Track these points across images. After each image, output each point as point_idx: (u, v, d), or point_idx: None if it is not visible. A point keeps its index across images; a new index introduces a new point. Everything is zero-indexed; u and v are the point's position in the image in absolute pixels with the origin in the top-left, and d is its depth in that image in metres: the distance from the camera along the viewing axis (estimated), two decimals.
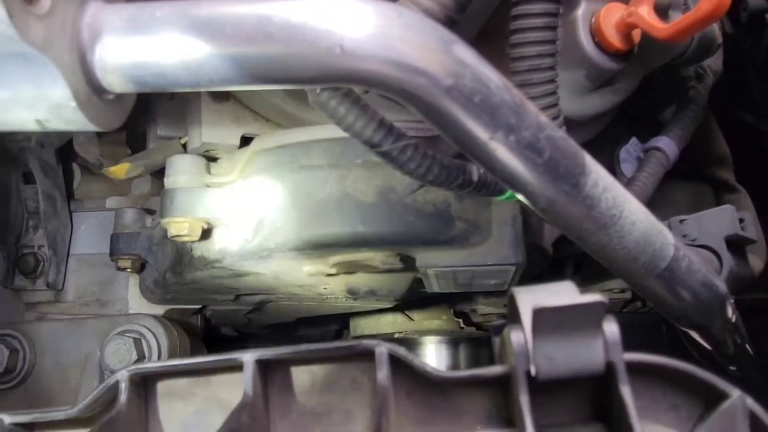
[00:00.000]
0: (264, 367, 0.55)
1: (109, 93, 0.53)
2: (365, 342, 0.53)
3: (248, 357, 0.54)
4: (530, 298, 0.48)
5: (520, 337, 0.48)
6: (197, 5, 0.50)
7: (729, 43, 1.30)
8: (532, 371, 0.47)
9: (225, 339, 1.84)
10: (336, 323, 1.93)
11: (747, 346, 1.01)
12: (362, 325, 1.75)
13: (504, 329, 0.53)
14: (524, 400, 0.47)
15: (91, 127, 0.52)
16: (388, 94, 0.51)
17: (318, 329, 1.96)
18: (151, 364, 0.57)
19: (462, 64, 0.50)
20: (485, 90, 0.51)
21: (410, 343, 1.69)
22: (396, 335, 1.66)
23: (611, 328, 0.47)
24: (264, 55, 0.48)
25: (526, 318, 0.48)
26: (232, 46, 0.49)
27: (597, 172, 0.59)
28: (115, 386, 0.55)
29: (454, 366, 1.65)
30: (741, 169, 1.30)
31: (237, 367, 0.56)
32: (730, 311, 0.80)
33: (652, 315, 1.34)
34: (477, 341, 1.68)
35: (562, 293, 0.48)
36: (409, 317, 1.68)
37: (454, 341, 1.65)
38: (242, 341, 1.91)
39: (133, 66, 0.50)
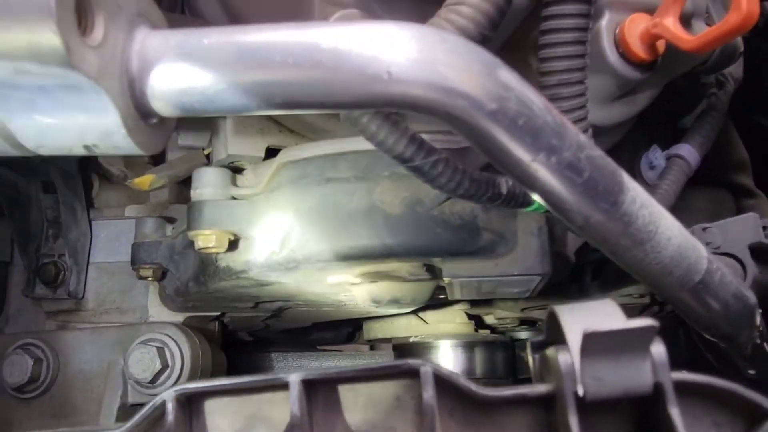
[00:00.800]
0: (308, 386, 0.56)
1: (155, 117, 0.54)
2: (410, 361, 0.54)
3: (294, 377, 0.54)
4: (576, 319, 0.49)
5: (567, 358, 0.48)
6: (244, 31, 0.51)
7: (747, 48, 1.31)
8: (580, 392, 0.48)
9: (241, 343, 1.85)
10: (349, 326, 1.94)
11: (765, 345, 1.02)
12: (375, 329, 1.75)
13: (546, 348, 0.54)
14: (573, 420, 0.47)
15: (138, 152, 0.53)
16: (433, 117, 0.51)
17: (331, 332, 1.97)
18: (197, 384, 0.57)
19: (506, 87, 0.51)
20: (529, 113, 0.52)
21: (425, 346, 1.70)
22: (411, 339, 1.66)
23: (659, 349, 0.47)
24: (312, 81, 0.49)
25: (573, 339, 0.48)
26: (279, 72, 0.49)
27: (634, 189, 0.60)
28: (162, 406, 0.56)
29: (470, 369, 1.66)
30: (759, 173, 1.30)
31: (281, 385, 0.56)
32: (758, 321, 0.81)
33: (670, 319, 1.34)
34: (492, 345, 1.68)
35: (608, 314, 0.48)
36: (424, 320, 1.68)
37: (469, 345, 1.66)
38: (258, 345, 1.92)
39: (181, 92, 0.51)
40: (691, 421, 0.52)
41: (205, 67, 0.50)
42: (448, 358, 1.67)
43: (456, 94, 0.50)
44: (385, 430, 0.56)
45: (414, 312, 1.63)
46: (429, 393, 0.53)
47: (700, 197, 1.16)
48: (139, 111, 0.52)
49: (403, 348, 1.73)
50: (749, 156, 1.30)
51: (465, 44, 0.51)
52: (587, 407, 0.48)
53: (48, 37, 0.42)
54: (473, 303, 1.52)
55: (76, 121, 0.49)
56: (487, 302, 1.47)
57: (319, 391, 0.57)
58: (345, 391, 0.57)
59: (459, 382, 0.53)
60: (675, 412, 0.46)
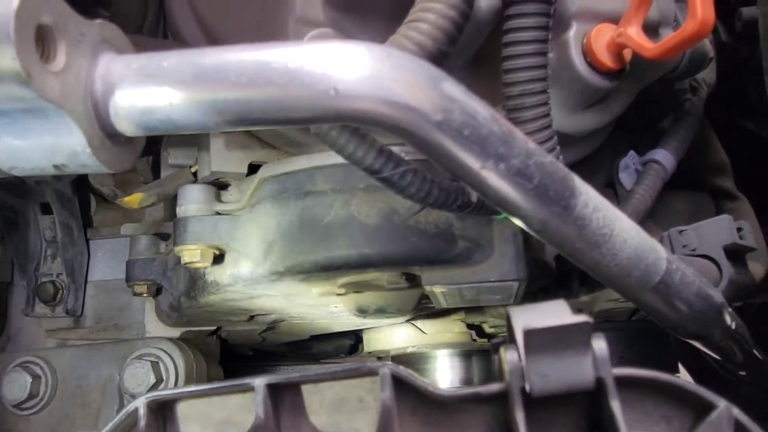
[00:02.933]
0: (274, 390, 0.58)
1: (121, 137, 0.57)
2: (369, 364, 0.56)
3: (259, 381, 0.57)
4: (523, 319, 0.51)
5: (514, 356, 0.50)
6: (201, 54, 0.54)
7: (726, 51, 1.32)
8: (527, 388, 0.50)
9: (241, 357, 1.88)
10: (349, 338, 1.96)
11: (754, 351, 1.03)
12: (375, 340, 1.77)
13: (500, 347, 0.56)
14: (520, 416, 0.49)
15: (104, 170, 0.56)
16: (382, 131, 0.54)
17: (331, 345, 1.99)
18: (168, 391, 0.60)
19: (450, 99, 0.53)
20: (474, 122, 0.54)
21: (423, 356, 1.72)
22: (409, 349, 1.68)
23: (600, 345, 0.49)
24: (264, 99, 0.52)
25: (520, 338, 0.50)
26: (235, 91, 0.52)
27: (587, 194, 0.62)
28: (134, 413, 0.58)
29: (468, 378, 1.67)
30: (743, 175, 1.32)
31: (250, 389, 0.59)
32: (728, 319, 0.82)
33: None
34: (489, 353, 1.70)
35: (553, 313, 0.50)
36: (422, 330, 1.70)
37: (466, 354, 1.67)
38: (258, 359, 1.94)
39: (143, 112, 0.54)
40: (641, 415, 0.54)
41: (164, 88, 0.53)
42: (445, 367, 1.69)
43: (402, 107, 0.52)
44: (349, 430, 0.59)
45: (412, 323, 1.65)
46: (387, 393, 0.55)
47: (680, 200, 1.18)
48: (105, 131, 0.54)
49: (402, 358, 1.75)
50: (733, 158, 1.31)
51: (410, 59, 0.54)
52: (535, 403, 0.50)
53: (9, 64, 0.45)
54: (467, 313, 1.54)
55: (44, 143, 0.52)
56: (479, 310, 1.49)
57: (286, 395, 0.59)
58: (310, 394, 0.59)
59: (416, 383, 0.55)
60: (615, 405, 0.48)
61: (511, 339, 0.54)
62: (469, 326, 1.68)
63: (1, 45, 0.45)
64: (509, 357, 0.50)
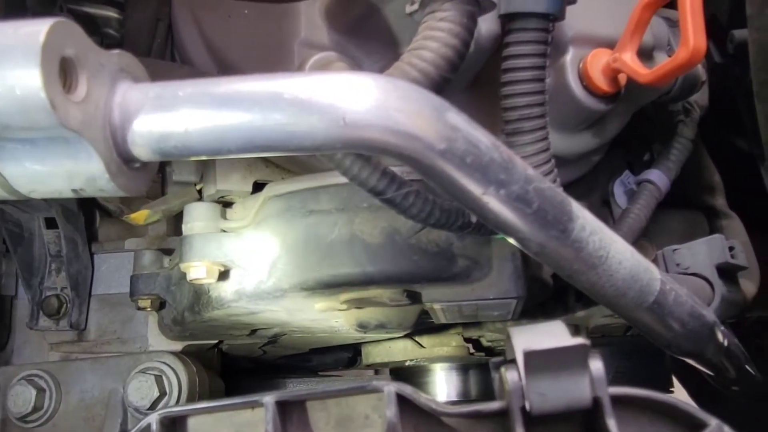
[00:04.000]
0: (282, 406, 0.60)
1: (137, 162, 0.59)
2: (374, 382, 0.58)
3: (268, 398, 0.59)
4: (523, 340, 0.53)
5: (514, 375, 0.52)
6: (216, 83, 0.56)
7: (719, 72, 1.36)
8: (527, 407, 0.52)
9: (242, 370, 1.89)
10: (348, 351, 1.97)
11: (747, 367, 1.05)
12: (374, 353, 1.78)
13: (501, 367, 0.58)
14: None
15: (121, 194, 0.58)
16: (388, 158, 0.56)
17: (331, 357, 2.00)
18: (180, 407, 0.62)
19: (454, 128, 0.56)
20: (476, 151, 0.56)
21: (421, 370, 1.73)
22: (407, 363, 1.70)
23: (596, 365, 0.52)
24: (276, 127, 0.54)
25: (520, 358, 0.53)
26: (247, 120, 0.54)
27: (584, 218, 0.64)
28: (147, 428, 0.60)
29: (465, 391, 1.69)
30: (734, 193, 1.34)
31: (259, 406, 0.61)
32: (720, 337, 0.85)
33: None
34: (487, 367, 1.71)
35: (552, 335, 0.53)
36: (420, 344, 1.72)
37: (464, 368, 1.69)
38: (258, 372, 1.95)
39: (159, 139, 0.56)
40: (636, 431, 0.56)
41: (180, 116, 0.55)
42: (443, 380, 1.71)
43: (407, 137, 0.55)
44: None
45: (410, 337, 1.67)
46: (392, 411, 0.57)
47: (674, 219, 1.21)
48: (122, 157, 0.57)
49: (400, 372, 1.76)
50: (724, 176, 1.34)
51: (415, 90, 0.56)
52: (534, 421, 0.52)
53: (35, 96, 0.48)
54: (465, 326, 1.56)
55: (63, 168, 0.54)
56: (477, 325, 1.51)
57: (294, 412, 0.61)
58: (317, 411, 0.61)
59: (420, 401, 0.57)
60: (611, 423, 0.50)
61: (510, 359, 0.57)
62: (467, 340, 1.70)
63: (29, 76, 0.47)
64: (510, 377, 0.53)
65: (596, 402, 0.52)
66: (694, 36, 0.77)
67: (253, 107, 0.54)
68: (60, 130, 0.51)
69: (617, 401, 0.53)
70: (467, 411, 0.57)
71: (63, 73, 0.50)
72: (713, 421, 0.53)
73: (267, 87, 0.55)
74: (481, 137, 0.57)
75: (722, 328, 0.84)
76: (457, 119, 0.56)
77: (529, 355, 0.49)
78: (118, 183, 0.56)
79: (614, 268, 0.67)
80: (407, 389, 0.58)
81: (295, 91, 0.54)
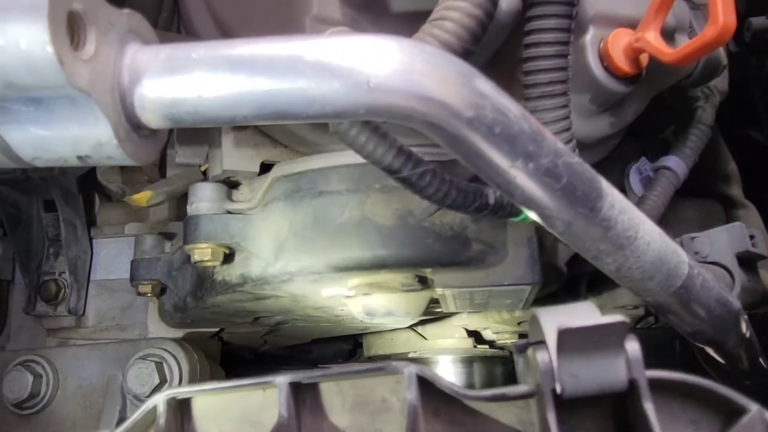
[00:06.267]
0: (296, 388, 0.57)
1: (146, 129, 0.56)
2: (394, 363, 0.55)
3: (281, 379, 0.56)
4: (554, 319, 0.50)
5: (545, 356, 0.50)
6: (230, 45, 0.53)
7: (734, 62, 1.33)
8: (558, 389, 0.49)
9: (242, 361, 1.86)
10: (348, 343, 1.95)
11: (761, 360, 1.03)
12: (376, 345, 1.76)
13: (528, 349, 0.55)
14: (551, 417, 0.48)
15: (130, 162, 0.55)
16: (412, 126, 0.53)
17: (331, 348, 1.98)
18: (188, 388, 0.59)
19: (482, 96, 0.53)
20: (505, 120, 0.53)
21: (424, 362, 1.70)
22: (410, 354, 1.67)
23: (633, 346, 0.49)
24: (295, 91, 0.51)
25: (551, 338, 0.50)
26: (265, 83, 0.51)
27: (612, 195, 0.62)
28: (154, 410, 0.57)
29: (469, 384, 1.66)
30: (749, 184, 1.32)
31: (270, 389, 0.58)
32: (744, 327, 0.82)
33: (666, 331, 1.35)
34: (491, 359, 1.69)
35: (585, 314, 0.50)
36: (423, 336, 1.69)
37: (468, 360, 1.66)
38: (258, 363, 1.92)
39: (171, 104, 0.53)
40: (668, 418, 0.53)
41: (192, 80, 0.52)
42: (447, 373, 1.68)
43: (434, 103, 0.52)
44: (371, 431, 0.58)
45: (413, 328, 1.64)
46: (413, 394, 0.54)
47: (690, 207, 1.18)
48: (130, 123, 0.54)
49: None
50: (741, 168, 1.32)
51: (442, 55, 0.53)
52: (565, 404, 0.50)
53: (42, 50, 0.45)
54: (469, 317, 1.53)
55: (69, 133, 0.51)
56: (481, 316, 1.48)
57: (307, 394, 0.58)
58: (331, 395, 0.58)
59: (442, 383, 0.54)
60: (649, 407, 0.47)
61: (537, 341, 0.54)
62: (470, 333, 1.68)
63: (35, 29, 0.44)
64: (540, 357, 0.50)
65: (632, 385, 0.49)
66: (723, 13, 0.74)
67: (271, 70, 0.51)
68: (66, 89, 0.47)
69: (650, 385, 0.50)
70: (491, 394, 0.54)
71: (71, 27, 0.47)
72: (753, 407, 0.50)
73: (286, 49, 0.52)
74: (510, 106, 0.54)
75: (745, 316, 0.82)
76: (486, 86, 0.53)
77: (564, 334, 0.46)
78: (127, 150, 0.53)
79: (642, 249, 0.64)
80: (428, 372, 0.55)
81: (316, 53, 0.51)
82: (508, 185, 0.57)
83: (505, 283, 0.91)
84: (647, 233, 0.65)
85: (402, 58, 0.51)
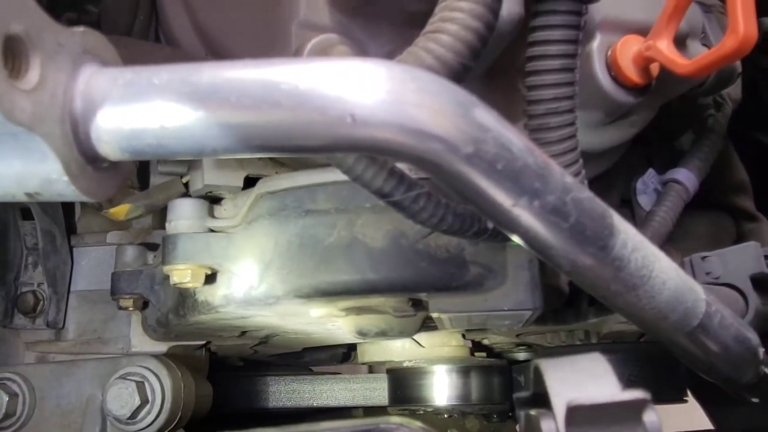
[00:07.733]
0: None
1: (105, 161, 0.50)
2: (383, 425, 0.50)
3: None
4: (559, 383, 0.45)
5: (551, 427, 0.44)
6: (198, 70, 0.47)
7: (744, 63, 1.27)
8: None
9: (232, 368, 1.81)
10: (343, 347, 1.90)
11: None
12: (370, 352, 1.71)
13: (531, 405, 0.50)
14: None
15: (84, 199, 0.49)
16: (404, 162, 0.47)
17: (325, 353, 1.93)
18: None
19: (483, 128, 0.47)
20: (508, 155, 0.47)
21: (420, 371, 1.65)
22: (405, 363, 1.62)
23: (651, 418, 0.43)
24: (270, 124, 0.45)
25: (558, 405, 0.44)
26: (236, 115, 0.45)
27: (626, 232, 0.56)
28: None
29: (466, 395, 1.61)
30: (759, 193, 1.26)
31: None
32: (762, 358, 0.77)
33: None
34: (488, 369, 1.64)
35: (598, 377, 0.44)
36: (419, 344, 1.64)
37: (464, 369, 1.61)
38: (249, 369, 1.87)
39: (130, 135, 0.47)
40: None
41: (154, 108, 0.46)
42: (443, 383, 1.63)
43: (428, 138, 0.45)
44: None
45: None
46: None
47: (699, 222, 1.12)
48: (85, 156, 0.47)
49: (397, 373, 1.68)
50: (749, 175, 1.26)
51: (437, 82, 0.47)
52: None
53: None
54: (468, 330, 1.48)
55: (12, 169, 0.45)
56: (480, 329, 1.42)
57: None
58: None
59: None
60: None
61: (542, 400, 0.48)
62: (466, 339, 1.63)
63: None
64: (546, 428, 0.44)
65: None
66: (744, 21, 0.68)
67: (242, 99, 0.45)
68: (5, 126, 0.41)
69: None
70: None
71: (9, 54, 0.41)
72: None
73: (260, 75, 0.45)
74: (514, 139, 0.48)
75: (763, 349, 0.76)
76: (487, 117, 0.47)
77: (573, 411, 0.40)
78: (80, 186, 0.47)
79: (657, 288, 0.58)
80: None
81: (293, 80, 0.45)
82: (510, 224, 0.51)
83: (505, 309, 0.85)
84: (663, 271, 0.59)
85: (391, 87, 0.45)
